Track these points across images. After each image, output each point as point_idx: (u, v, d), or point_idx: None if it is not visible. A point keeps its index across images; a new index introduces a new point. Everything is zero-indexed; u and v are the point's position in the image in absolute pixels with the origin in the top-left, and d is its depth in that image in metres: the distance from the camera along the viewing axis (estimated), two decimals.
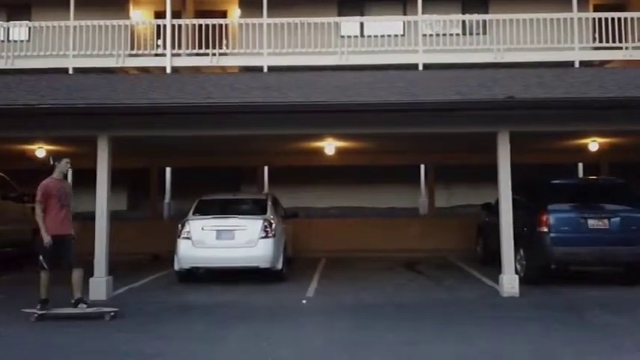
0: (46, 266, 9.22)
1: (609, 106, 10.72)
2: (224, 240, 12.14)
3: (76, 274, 9.29)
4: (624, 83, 12.66)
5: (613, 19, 20.33)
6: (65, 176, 9.77)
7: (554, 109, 10.78)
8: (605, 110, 10.79)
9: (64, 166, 9.56)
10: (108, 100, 11.40)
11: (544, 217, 11.61)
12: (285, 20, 20.85)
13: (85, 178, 14.47)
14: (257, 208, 12.96)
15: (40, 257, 9.23)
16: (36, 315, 9.13)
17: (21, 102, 11.08)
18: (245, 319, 9.25)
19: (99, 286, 10.82)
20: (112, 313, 9.18)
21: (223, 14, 23.50)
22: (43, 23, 21.29)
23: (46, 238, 9.15)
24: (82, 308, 9.26)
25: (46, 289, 9.28)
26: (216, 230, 12.21)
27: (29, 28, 21.92)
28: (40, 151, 14.54)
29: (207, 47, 20.91)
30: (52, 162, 9.55)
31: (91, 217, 11.32)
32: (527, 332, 8.37)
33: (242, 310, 9.94)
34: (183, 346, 7.84)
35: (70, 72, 20.45)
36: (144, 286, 12.30)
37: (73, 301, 9.32)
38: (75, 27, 21.04)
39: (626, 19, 20.46)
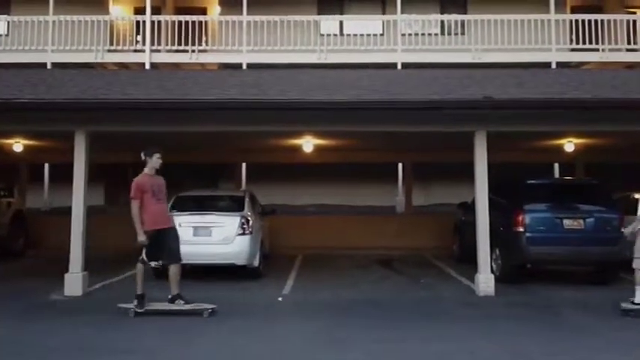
0: (146, 259, 9.15)
1: (585, 107, 10.84)
2: (201, 237, 12.10)
3: (174, 270, 9.23)
4: (600, 84, 12.82)
5: (590, 21, 20.53)
6: (157, 171, 9.58)
7: (532, 109, 10.88)
8: (581, 111, 10.91)
9: (155, 162, 9.46)
10: (86, 96, 11.33)
11: (520, 217, 11.72)
12: (264, 18, 20.83)
13: (62, 173, 14.36)
14: (234, 205, 12.93)
15: (143, 251, 9.16)
16: (133, 311, 9.07)
17: None
18: (220, 315, 9.23)
19: (74, 281, 10.75)
20: (210, 310, 9.09)
21: (203, 11, 23.41)
22: (22, 18, 21.11)
23: (141, 237, 9.06)
24: (179, 304, 9.16)
25: (142, 284, 9.21)
26: (193, 227, 12.16)
27: (8, 23, 21.71)
28: (17, 145, 14.43)
29: (186, 44, 20.85)
30: (143, 157, 9.46)
31: (67, 212, 11.25)
32: (501, 331, 8.46)
33: (217, 306, 9.91)
34: (156, 343, 7.84)
35: (49, 67, 20.27)
36: (119, 282, 12.23)
37: (170, 297, 9.24)
38: (54, 22, 20.88)
39: (602, 21, 20.67)
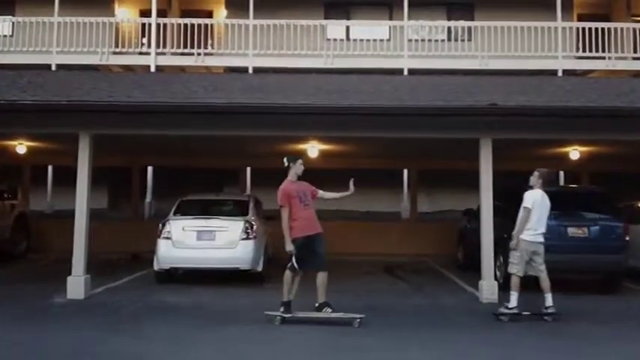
0: (296, 266, 8.98)
1: (590, 115, 10.81)
2: (204, 241, 12.08)
3: (321, 277, 9.05)
4: (606, 93, 12.78)
5: (597, 29, 20.48)
6: (299, 177, 9.45)
7: (537, 116, 10.84)
8: (586, 119, 10.88)
9: (298, 168, 9.37)
10: (90, 98, 11.32)
11: None
12: (271, 22, 20.80)
13: (65, 176, 14.36)
14: (238, 210, 12.91)
15: (293, 258, 9.00)
16: (280, 318, 8.94)
17: (1, 98, 10.96)
18: (223, 321, 9.21)
19: (77, 284, 10.72)
20: (359, 320, 8.86)
21: (209, 14, 23.42)
22: (27, 19, 21.10)
23: (289, 246, 8.93)
24: (326, 313, 8.98)
25: (288, 291, 9.07)
26: (197, 231, 12.14)
27: (13, 24, 21.70)
28: (21, 147, 14.42)
29: (192, 47, 20.83)
30: (286, 164, 9.37)
31: (70, 214, 11.23)
32: (504, 340, 8.42)
33: (221, 311, 9.91)
34: (159, 348, 7.80)
35: (54, 68, 20.28)
36: (122, 285, 12.22)
37: (317, 304, 9.05)
38: (59, 23, 20.86)
39: (609, 29, 20.63)
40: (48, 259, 15.43)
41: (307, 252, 9.00)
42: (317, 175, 18.95)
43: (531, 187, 9.80)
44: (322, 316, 8.96)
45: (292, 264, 9.00)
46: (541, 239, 9.61)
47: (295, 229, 9.03)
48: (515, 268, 9.57)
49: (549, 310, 9.44)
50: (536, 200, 9.58)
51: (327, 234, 17.08)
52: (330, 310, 8.98)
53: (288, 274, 9.07)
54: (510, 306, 9.44)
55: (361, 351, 7.77)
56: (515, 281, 9.54)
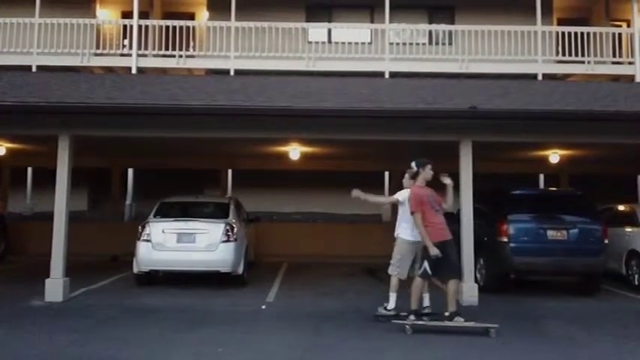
0: (430, 272, 8.84)
1: (570, 119, 10.90)
2: (185, 243, 12.03)
3: (453, 285, 8.87)
4: (585, 96, 12.88)
5: (576, 33, 20.65)
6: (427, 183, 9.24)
7: (516, 120, 10.92)
8: (565, 122, 10.98)
9: (428, 173, 9.19)
10: (70, 99, 11.25)
11: (504, 227, 11.74)
12: (253, 24, 20.79)
13: (45, 177, 14.27)
14: (219, 212, 12.87)
15: (425, 263, 8.84)
16: (410, 327, 8.73)
17: None
18: (203, 323, 9.18)
19: (55, 287, 10.65)
20: (494, 329, 8.58)
21: (191, 16, 23.36)
22: (7, 20, 20.92)
23: (434, 250, 8.71)
24: (459, 322, 8.78)
25: (417, 299, 8.95)
26: (177, 233, 12.09)
27: None
28: (0, 149, 14.31)
29: (174, 49, 20.76)
30: (415, 168, 9.21)
31: (50, 217, 11.15)
32: (483, 342, 8.43)
33: (200, 314, 9.86)
34: (137, 351, 7.76)
35: (34, 70, 20.13)
36: (101, 288, 12.15)
37: (447, 313, 8.87)
38: (40, 24, 20.73)
39: (588, 33, 20.80)
40: (26, 261, 15.31)
41: (442, 258, 8.81)
42: (299, 176, 19.14)
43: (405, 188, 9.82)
44: (454, 325, 8.80)
45: (425, 270, 8.88)
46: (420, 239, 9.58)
47: (430, 234, 8.88)
48: (396, 271, 9.59)
49: (426, 311, 9.44)
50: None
51: (309, 237, 17.12)
52: (463, 320, 8.84)
53: (418, 280, 8.99)
54: (389, 307, 9.48)
55: (342, 352, 7.79)
56: (394, 283, 9.56)
